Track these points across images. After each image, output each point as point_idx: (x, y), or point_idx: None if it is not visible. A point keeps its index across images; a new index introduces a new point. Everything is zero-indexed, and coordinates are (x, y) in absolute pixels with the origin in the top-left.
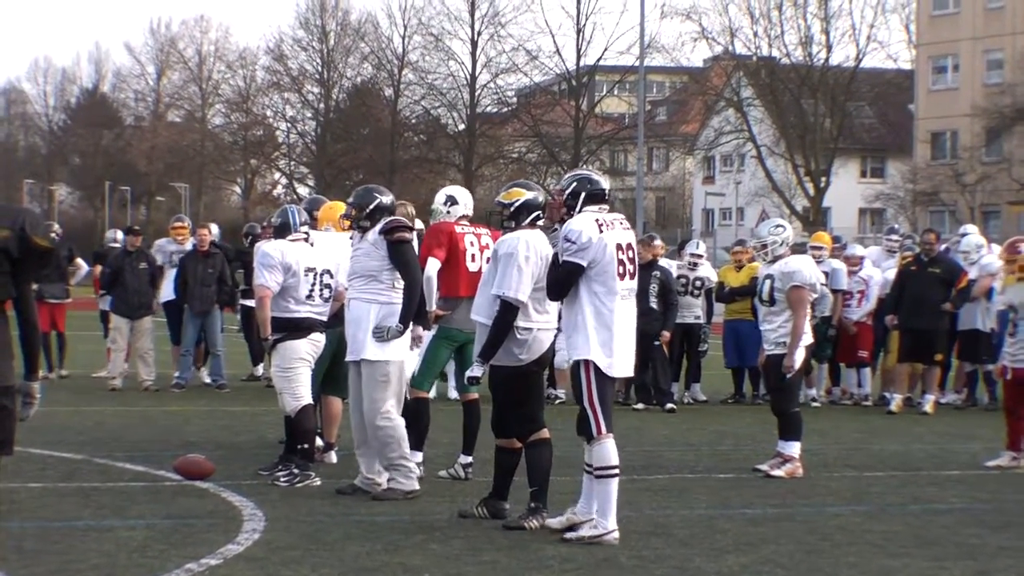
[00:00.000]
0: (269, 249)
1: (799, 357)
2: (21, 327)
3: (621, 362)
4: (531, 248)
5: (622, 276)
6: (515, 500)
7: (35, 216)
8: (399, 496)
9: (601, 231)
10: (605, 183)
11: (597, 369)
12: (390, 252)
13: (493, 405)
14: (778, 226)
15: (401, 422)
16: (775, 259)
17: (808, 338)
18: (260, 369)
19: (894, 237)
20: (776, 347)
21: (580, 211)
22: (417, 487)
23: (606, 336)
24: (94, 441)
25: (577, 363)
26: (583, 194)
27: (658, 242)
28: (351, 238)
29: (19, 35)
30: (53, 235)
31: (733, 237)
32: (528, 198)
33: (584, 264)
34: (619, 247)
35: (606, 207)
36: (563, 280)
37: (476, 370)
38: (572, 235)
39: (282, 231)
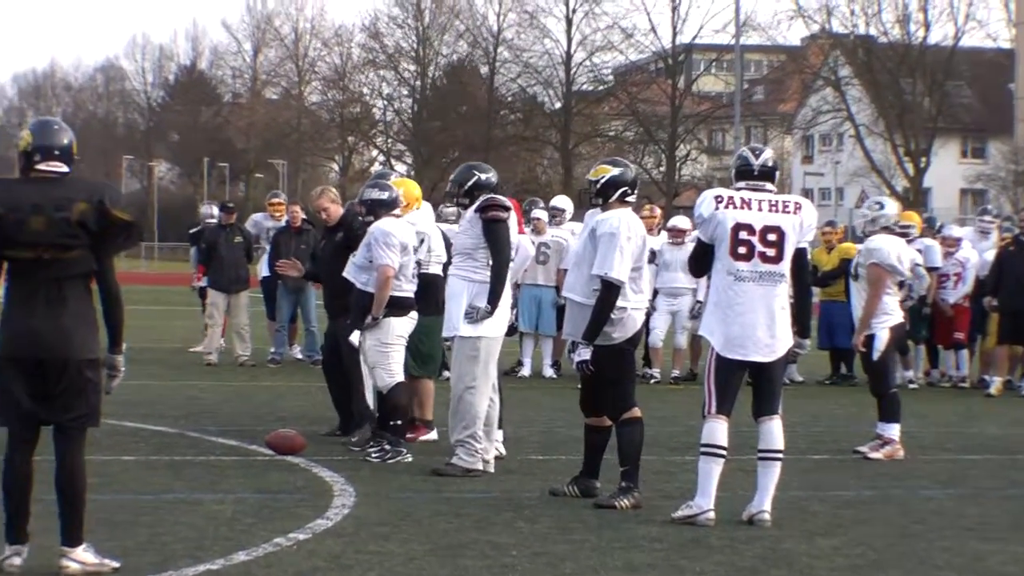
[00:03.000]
0: (390, 227)
1: (882, 339)
2: (104, 301)
3: (740, 347)
4: (630, 227)
5: (742, 257)
6: (605, 479)
7: (115, 190)
8: (458, 472)
9: (717, 207)
10: (756, 158)
11: (715, 348)
12: (484, 231)
13: (582, 383)
14: (876, 203)
15: (484, 401)
16: (867, 236)
17: (893, 319)
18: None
19: (987, 218)
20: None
21: (735, 187)
22: (480, 467)
23: (722, 317)
24: (188, 415)
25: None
26: (734, 170)
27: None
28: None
29: (117, 12)
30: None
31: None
32: (615, 174)
33: (704, 239)
34: (743, 227)
35: (767, 184)
36: (695, 254)
37: (584, 352)
38: (695, 209)
39: (391, 206)
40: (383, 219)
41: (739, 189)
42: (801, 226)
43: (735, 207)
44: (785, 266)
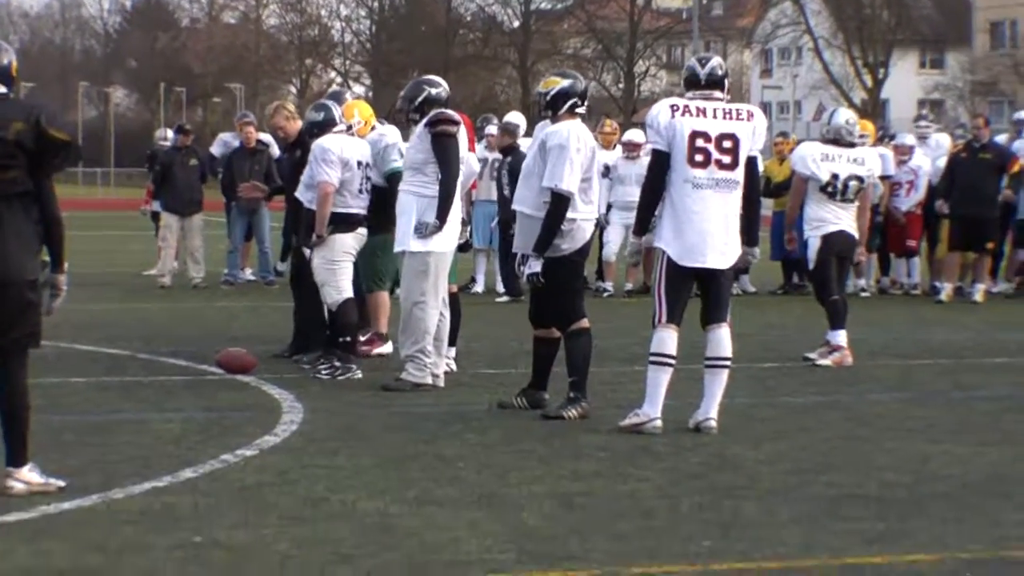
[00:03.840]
0: (329, 144)
1: (813, 246)
2: (44, 221)
3: (697, 253)
4: (579, 139)
5: (700, 164)
6: (554, 391)
7: (51, 110)
8: (408, 387)
9: (673, 115)
10: (703, 67)
11: (669, 258)
12: (432, 145)
13: (531, 295)
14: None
15: (433, 316)
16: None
17: (827, 226)
18: (281, 265)
19: (922, 123)
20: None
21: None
22: (429, 381)
23: (678, 226)
24: (141, 337)
25: (656, 248)
26: (683, 81)
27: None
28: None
29: None
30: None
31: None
32: (564, 86)
33: (663, 148)
34: (699, 134)
35: (716, 92)
36: (652, 166)
37: (535, 265)
38: (649, 119)
39: (326, 126)
40: (324, 136)
41: (690, 99)
42: (754, 133)
43: (691, 115)
44: (740, 173)
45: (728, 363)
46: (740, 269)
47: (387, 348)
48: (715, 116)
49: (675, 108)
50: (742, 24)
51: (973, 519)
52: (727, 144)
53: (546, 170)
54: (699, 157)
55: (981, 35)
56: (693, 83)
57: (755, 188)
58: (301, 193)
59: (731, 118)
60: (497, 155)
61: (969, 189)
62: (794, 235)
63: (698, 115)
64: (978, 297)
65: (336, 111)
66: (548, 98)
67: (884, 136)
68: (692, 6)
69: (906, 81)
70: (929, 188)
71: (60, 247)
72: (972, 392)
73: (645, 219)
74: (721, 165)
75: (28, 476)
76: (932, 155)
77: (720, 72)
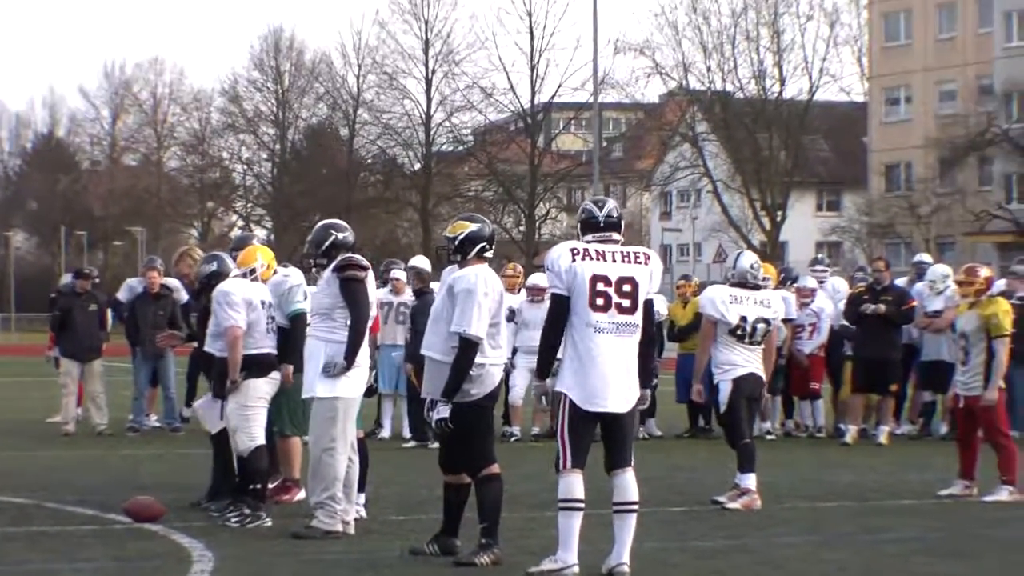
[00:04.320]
0: (229, 288)
1: (725, 391)
2: None
3: (599, 398)
4: (487, 283)
5: (601, 308)
6: (466, 537)
7: None
8: (318, 535)
9: (574, 259)
10: (600, 210)
11: (572, 402)
12: (341, 290)
13: (440, 441)
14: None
15: (343, 462)
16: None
17: (737, 370)
18: (187, 411)
19: (819, 267)
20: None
21: (581, 239)
22: (339, 528)
23: (580, 369)
24: (46, 486)
25: (559, 393)
26: (579, 224)
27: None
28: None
29: None
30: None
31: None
32: (472, 230)
33: (564, 292)
34: (600, 278)
35: (613, 235)
36: (552, 310)
37: (443, 411)
38: (548, 262)
39: (220, 276)
40: (223, 282)
41: (588, 242)
42: (651, 276)
43: (591, 259)
44: (639, 316)
45: (636, 507)
46: (644, 412)
47: (302, 494)
48: (614, 260)
49: (575, 252)
50: (642, 166)
51: None
52: (626, 288)
53: (454, 315)
54: (600, 301)
55: (876, 177)
56: (591, 226)
57: (650, 331)
58: (209, 345)
59: (629, 261)
60: (402, 299)
61: (871, 332)
62: (700, 388)
63: (598, 258)
64: (883, 439)
65: (228, 260)
66: (456, 242)
67: (786, 279)
68: (592, 149)
69: (804, 223)
70: (831, 331)
71: None
72: (880, 535)
73: (547, 362)
74: (621, 309)
75: None
76: (833, 298)
77: (616, 215)
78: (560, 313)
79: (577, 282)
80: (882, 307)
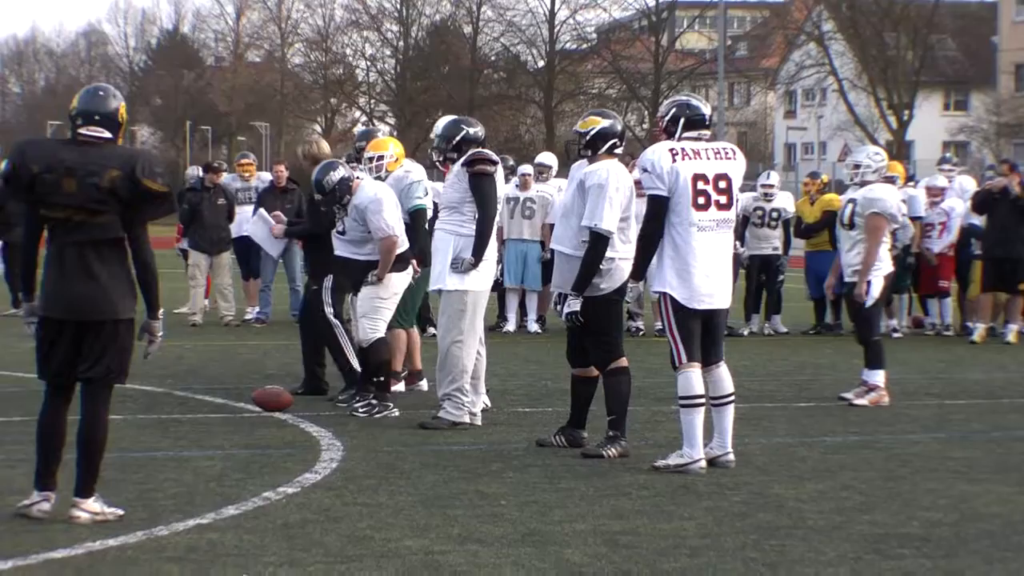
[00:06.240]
0: (384, 194)
1: (877, 287)
2: (136, 267)
3: (703, 294)
4: (618, 178)
5: (702, 207)
6: (592, 429)
7: (150, 160)
8: (446, 426)
9: (674, 160)
10: (706, 108)
11: (675, 301)
12: (471, 184)
13: (570, 334)
14: (877, 153)
15: (471, 355)
16: (863, 184)
17: (887, 267)
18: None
19: (946, 166)
20: (855, 274)
21: (679, 137)
22: (467, 420)
23: (683, 269)
24: (175, 375)
25: (659, 295)
26: (682, 120)
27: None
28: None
29: None
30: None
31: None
32: (604, 126)
33: (665, 194)
34: (699, 177)
35: (707, 133)
36: (652, 211)
37: (574, 303)
38: (646, 164)
39: (345, 184)
40: (361, 189)
41: (681, 139)
42: (740, 171)
43: (689, 158)
44: (734, 212)
45: (733, 398)
46: (770, 308)
47: (423, 385)
48: (709, 157)
49: (675, 152)
50: (766, 65)
51: (1019, 558)
52: (723, 184)
53: (585, 209)
54: (701, 200)
55: (1005, 77)
56: (696, 123)
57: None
58: (351, 253)
59: (721, 157)
60: (529, 194)
61: (1002, 230)
62: (833, 282)
63: (695, 157)
64: (1011, 337)
65: (344, 167)
66: (588, 138)
67: (911, 178)
68: (717, 47)
69: (931, 123)
70: (961, 230)
71: (153, 294)
72: (1011, 432)
73: (645, 263)
74: (720, 206)
75: (92, 506)
76: (961, 197)
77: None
78: (661, 214)
79: (679, 183)
80: (1016, 181)
